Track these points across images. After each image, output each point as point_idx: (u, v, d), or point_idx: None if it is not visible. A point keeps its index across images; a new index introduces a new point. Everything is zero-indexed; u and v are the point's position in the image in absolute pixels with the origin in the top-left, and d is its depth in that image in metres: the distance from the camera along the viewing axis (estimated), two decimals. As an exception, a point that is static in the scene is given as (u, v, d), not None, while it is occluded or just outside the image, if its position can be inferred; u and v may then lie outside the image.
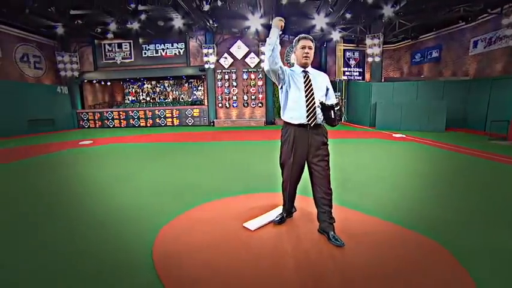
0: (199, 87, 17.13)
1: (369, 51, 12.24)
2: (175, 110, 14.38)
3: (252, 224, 2.40)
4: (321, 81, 2.25)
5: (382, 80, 13.53)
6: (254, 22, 11.48)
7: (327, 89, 2.29)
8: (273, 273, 1.80)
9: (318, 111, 2.16)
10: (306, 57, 2.18)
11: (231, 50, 14.22)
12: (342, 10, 10.10)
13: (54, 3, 9.27)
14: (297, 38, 2.23)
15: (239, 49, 14.22)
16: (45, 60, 13.31)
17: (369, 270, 1.81)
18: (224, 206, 3.02)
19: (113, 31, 12.34)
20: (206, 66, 13.84)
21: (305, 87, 2.18)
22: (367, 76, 15.53)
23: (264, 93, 14.40)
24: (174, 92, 17.89)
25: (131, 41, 14.01)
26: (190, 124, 14.37)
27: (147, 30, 12.43)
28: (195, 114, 14.40)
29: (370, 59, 12.40)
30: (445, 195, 3.30)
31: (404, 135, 8.94)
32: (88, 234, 2.42)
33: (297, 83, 2.20)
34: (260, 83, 14.38)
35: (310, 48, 2.18)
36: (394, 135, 9.16)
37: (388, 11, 10.06)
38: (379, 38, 11.91)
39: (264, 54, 12.82)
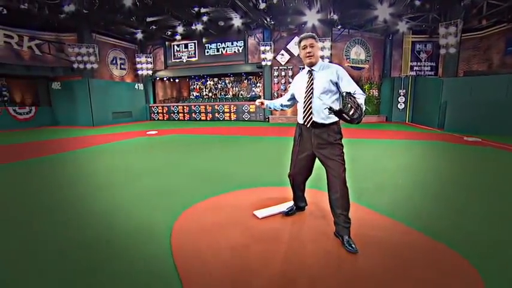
0: (258, 84, 17.66)
1: (441, 41, 10.74)
2: (232, 106, 15.17)
3: (261, 212, 2.56)
4: (323, 76, 2.11)
5: (460, 75, 11.74)
6: (311, 17, 11.27)
7: (336, 83, 2.08)
8: (259, 258, 1.94)
9: (317, 110, 2.12)
10: (308, 56, 2.14)
11: (288, 46, 14.24)
12: (410, -3, 9.14)
13: (135, 13, 10.83)
14: (298, 39, 2.22)
15: (296, 45, 14.13)
16: (127, 62, 15.66)
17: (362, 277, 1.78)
18: (248, 194, 3.23)
19: (180, 33, 13.72)
20: (263, 63, 14.18)
21: (306, 87, 2.18)
22: (441, 71, 13.66)
23: (319, 90, 14.04)
24: (233, 89, 18.86)
25: (196, 41, 15.30)
26: (246, 119, 14.97)
27: (209, 30, 13.41)
28: (251, 110, 14.93)
29: (442, 51, 10.88)
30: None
31: (479, 139, 7.67)
32: (142, 199, 2.96)
33: (302, 86, 2.23)
34: (315, 79, 14.05)
35: (311, 46, 2.13)
36: (465, 138, 7.95)
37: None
38: (456, 26, 10.32)
39: (321, 50, 12.51)
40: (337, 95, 2.15)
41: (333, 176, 2.10)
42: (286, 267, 1.84)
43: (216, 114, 15.42)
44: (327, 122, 2.12)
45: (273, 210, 2.62)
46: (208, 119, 15.54)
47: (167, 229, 2.36)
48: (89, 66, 12.28)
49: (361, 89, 11.32)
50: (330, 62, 12.96)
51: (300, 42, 2.19)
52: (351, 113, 1.82)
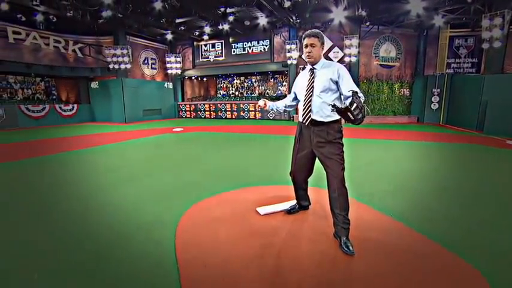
0: (284, 83, 17.59)
1: (484, 35, 9.82)
2: (257, 104, 15.27)
3: (263, 209, 2.61)
4: (323, 74, 2.09)
5: (508, 71, 10.69)
6: (337, 15, 10.97)
7: (336, 81, 2.06)
8: (253, 253, 2.01)
9: (316, 108, 2.10)
10: (308, 56, 2.14)
11: (313, 44, 14.00)
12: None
13: (164, 15, 11.36)
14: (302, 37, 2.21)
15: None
16: (158, 62, 16.47)
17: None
18: (258, 191, 3.30)
19: (208, 33, 14.12)
20: (289, 61, 14.09)
21: (307, 85, 2.18)
22: (483, 67, 12.54)
23: (346, 89, 13.63)
24: (260, 87, 18.98)
25: (222, 41, 15.63)
26: (271, 118, 15.00)
27: (235, 30, 13.62)
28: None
29: (485, 45, 9.96)
30: None
31: (524, 143, 6.98)
32: (159, 192, 3.18)
33: (302, 85, 2.24)
34: (342, 77, 13.66)
35: (312, 45, 2.10)
36: (508, 141, 7.27)
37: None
38: (502, 17, 9.39)
39: (348, 48, 12.13)
40: (337, 94, 2.11)
41: (332, 175, 2.09)
42: (278, 263, 1.88)
43: (241, 113, 15.62)
44: (326, 120, 2.10)
45: (276, 207, 2.66)
46: (233, 117, 15.81)
47: (177, 217, 2.56)
48: (123, 66, 13.14)
49: (391, 88, 10.82)
50: (358, 60, 12.59)
51: (302, 39, 2.18)
52: (356, 112, 1.76)
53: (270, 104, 2.60)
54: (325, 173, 2.15)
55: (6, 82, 12.78)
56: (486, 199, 3.12)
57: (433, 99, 12.03)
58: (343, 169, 2.09)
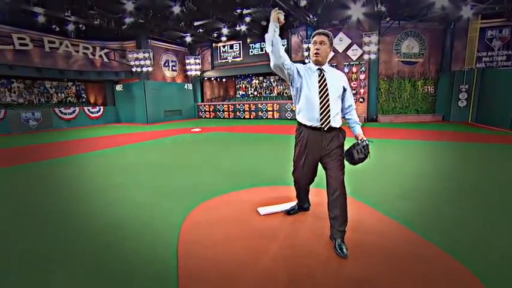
0: (302, 82, 17.44)
1: (519, 27, 9.12)
2: (275, 104, 15.27)
3: (264, 210, 2.66)
4: (337, 80, 2.10)
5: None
6: (355, 11, 10.68)
7: (344, 90, 2.14)
8: (248, 252, 2.07)
9: (333, 114, 2.05)
10: (316, 53, 2.04)
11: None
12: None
13: (183, 19, 11.71)
14: (312, 34, 2.11)
15: (341, 41, 13.52)
16: (178, 64, 16.99)
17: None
18: (265, 192, 3.35)
19: (226, 34, 14.35)
20: (306, 60, 13.96)
21: (319, 87, 2.04)
22: (520, 61, 11.61)
23: (366, 87, 13.22)
24: (278, 87, 18.95)
25: (240, 42, 15.79)
26: (289, 118, 14.93)
27: (253, 30, 13.72)
28: (294, 109, 14.80)
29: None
30: None
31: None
32: (169, 191, 3.36)
33: (310, 82, 2.06)
34: (362, 76, 13.26)
35: (322, 43, 2.02)
36: (544, 142, 6.72)
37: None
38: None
39: (367, 45, 11.77)
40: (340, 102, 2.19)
41: (332, 177, 2.08)
42: (273, 263, 1.92)
43: (260, 113, 15.68)
44: (338, 125, 2.13)
45: (276, 208, 2.70)
46: (252, 117, 15.91)
47: (183, 215, 2.70)
48: (145, 69, 13.74)
49: (413, 85, 10.41)
50: (378, 57, 12.15)
51: (312, 36, 2.11)
52: (363, 161, 2.14)
53: (278, 36, 1.94)
54: (325, 175, 2.15)
55: (44, 87, 13.97)
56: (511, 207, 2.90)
57: (460, 96, 11.34)
58: (344, 172, 2.10)
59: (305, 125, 2.12)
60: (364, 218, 2.56)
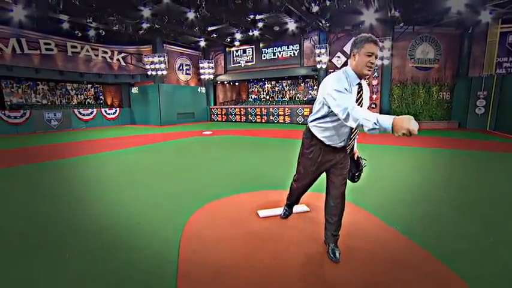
0: (315, 87, 17.40)
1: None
2: (287, 109, 15.30)
3: (263, 212, 2.73)
4: (367, 95, 1.89)
5: None
6: (368, 17, 10.62)
7: None
8: (243, 253, 2.15)
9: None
10: (370, 67, 1.71)
11: (344, 48, 13.66)
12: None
13: (197, 24, 12.04)
14: (361, 38, 1.72)
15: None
16: (192, 67, 17.41)
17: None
18: (266, 195, 3.42)
19: (239, 39, 14.60)
20: (318, 66, 13.94)
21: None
22: (543, 67, 11.13)
23: (378, 93, 13.06)
24: (290, 91, 18.99)
25: (253, 46, 16.00)
26: (300, 122, 14.91)
27: (265, 35, 13.89)
28: (305, 113, 14.78)
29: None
30: None
31: None
32: (176, 192, 3.49)
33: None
34: (375, 82, 13.10)
35: (377, 57, 1.72)
36: None
37: None
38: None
39: (380, 50, 11.62)
40: None
41: (336, 187, 2.06)
42: (267, 265, 1.99)
43: (271, 117, 15.75)
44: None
45: (274, 211, 2.77)
46: (263, 121, 15.98)
47: (187, 216, 2.81)
48: (159, 72, 14.17)
49: (428, 92, 10.19)
50: (391, 63, 11.99)
51: (363, 44, 1.70)
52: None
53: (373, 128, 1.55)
54: (327, 181, 2.13)
55: (65, 89, 14.75)
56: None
57: (478, 103, 10.98)
58: (346, 183, 2.11)
59: (322, 142, 1.94)
60: (362, 224, 2.57)
